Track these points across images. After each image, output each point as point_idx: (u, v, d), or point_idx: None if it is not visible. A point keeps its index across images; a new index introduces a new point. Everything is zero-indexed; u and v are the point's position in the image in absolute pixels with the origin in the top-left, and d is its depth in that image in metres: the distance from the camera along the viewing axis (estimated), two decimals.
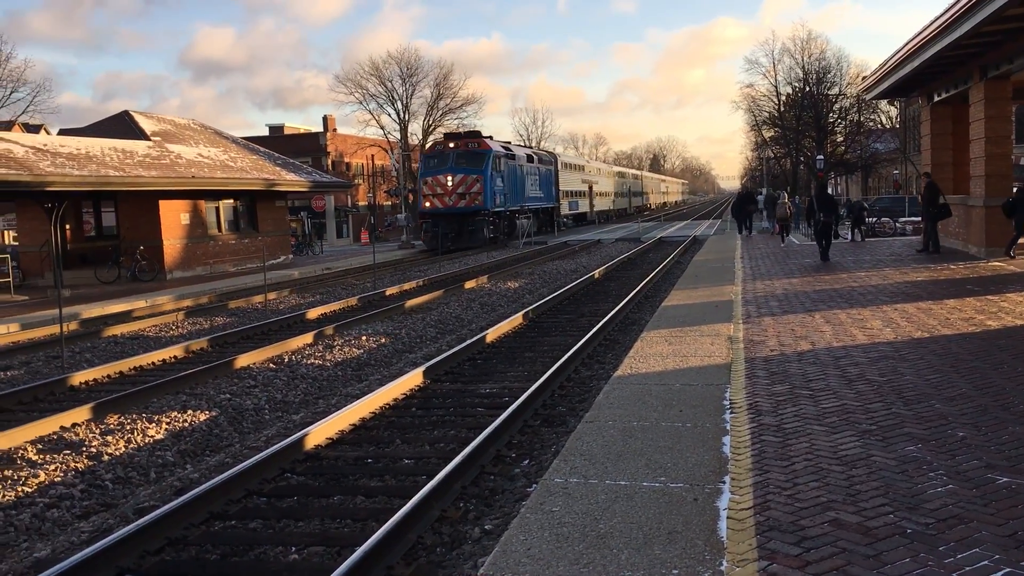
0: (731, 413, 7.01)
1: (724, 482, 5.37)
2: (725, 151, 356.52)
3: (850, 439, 6.10)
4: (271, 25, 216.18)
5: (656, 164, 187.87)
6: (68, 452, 8.54)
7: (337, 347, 14.07)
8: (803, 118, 66.95)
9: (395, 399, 10.20)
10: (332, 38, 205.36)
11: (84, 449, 8.62)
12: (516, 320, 15.58)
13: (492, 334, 14.11)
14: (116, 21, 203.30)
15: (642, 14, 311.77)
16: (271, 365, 12.71)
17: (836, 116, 68.35)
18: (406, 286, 23.31)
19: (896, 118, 71.37)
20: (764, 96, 70.38)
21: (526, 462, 7.74)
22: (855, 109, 67.79)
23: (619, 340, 13.86)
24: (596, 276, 23.76)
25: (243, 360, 12.68)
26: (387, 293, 21.91)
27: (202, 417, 9.86)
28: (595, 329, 13.85)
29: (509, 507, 6.54)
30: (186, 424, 9.58)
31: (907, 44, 19.38)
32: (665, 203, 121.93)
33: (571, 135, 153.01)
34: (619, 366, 9.40)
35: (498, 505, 6.65)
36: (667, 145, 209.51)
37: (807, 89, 66.52)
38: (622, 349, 12.67)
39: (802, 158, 68.92)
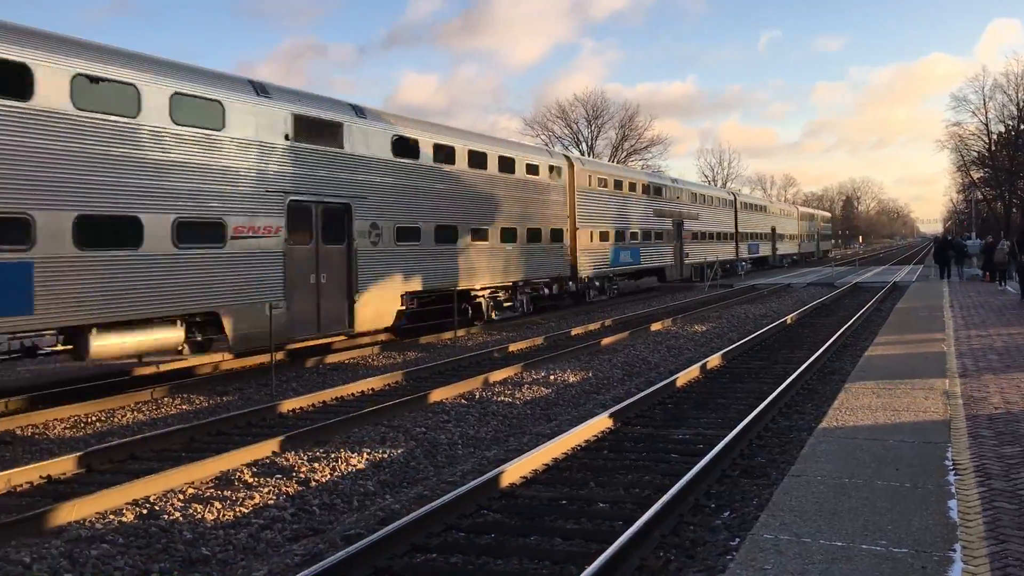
0: (955, 475, 6.49)
1: (954, 551, 4.96)
2: (927, 193, 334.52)
3: None
4: (472, 72, 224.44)
5: (849, 206, 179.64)
6: (280, 476, 9.02)
7: (526, 385, 14.20)
8: (1017, 158, 62.36)
9: (586, 440, 10.15)
10: (529, 83, 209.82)
11: (294, 474, 9.08)
12: (706, 365, 15.20)
13: (682, 378, 13.82)
14: (332, 70, 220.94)
15: (848, 51, 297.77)
16: (463, 401, 12.98)
17: None
18: (591, 327, 23.30)
19: None
20: (973, 135, 66.32)
21: (727, 513, 7.47)
22: None
23: (818, 390, 13.23)
24: (788, 322, 22.89)
25: (436, 395, 13.03)
26: (573, 333, 21.97)
27: (399, 449, 10.17)
28: (792, 377, 13.29)
29: (713, 560, 6.30)
30: (385, 455, 9.91)
31: None
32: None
33: (759, 176, 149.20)
34: (822, 417, 8.95)
35: (700, 557, 6.42)
36: (861, 186, 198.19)
37: (1022, 127, 62.02)
38: (822, 399, 12.08)
39: (1015, 200, 64.12)
